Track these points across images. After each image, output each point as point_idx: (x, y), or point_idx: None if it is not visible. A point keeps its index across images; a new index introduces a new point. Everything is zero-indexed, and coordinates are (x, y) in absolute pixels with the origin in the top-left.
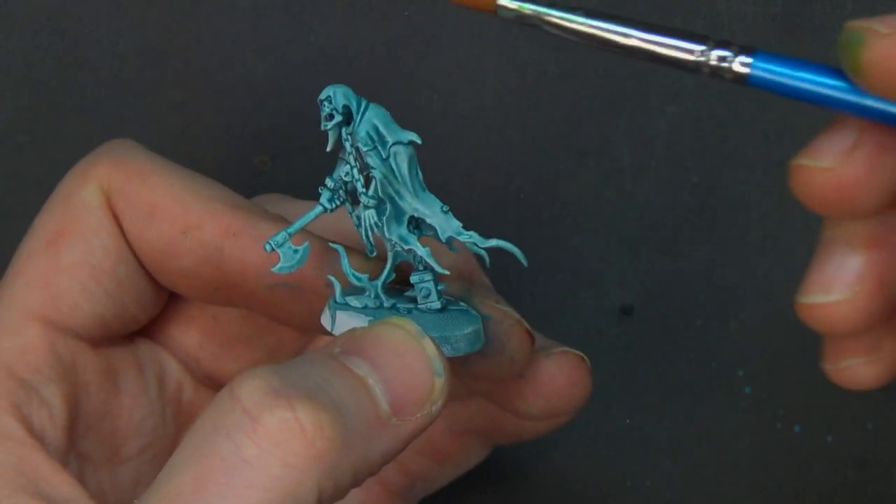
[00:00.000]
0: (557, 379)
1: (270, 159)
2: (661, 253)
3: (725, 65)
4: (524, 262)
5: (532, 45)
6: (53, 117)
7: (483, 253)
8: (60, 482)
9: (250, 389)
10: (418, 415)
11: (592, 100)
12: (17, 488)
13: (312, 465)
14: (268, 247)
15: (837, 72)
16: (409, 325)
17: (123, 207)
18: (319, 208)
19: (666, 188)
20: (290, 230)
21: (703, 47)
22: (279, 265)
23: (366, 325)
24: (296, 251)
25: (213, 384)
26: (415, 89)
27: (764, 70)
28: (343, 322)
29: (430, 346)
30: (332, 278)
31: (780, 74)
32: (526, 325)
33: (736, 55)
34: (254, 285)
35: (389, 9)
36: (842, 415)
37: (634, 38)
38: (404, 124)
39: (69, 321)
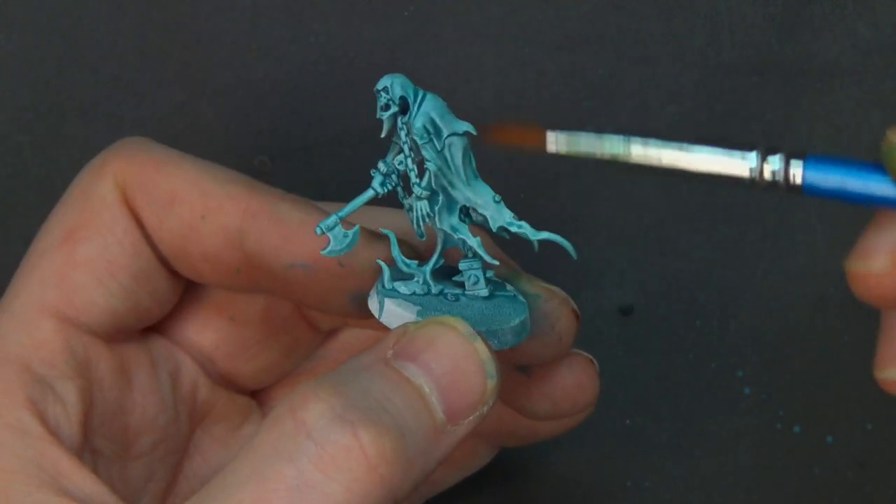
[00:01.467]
0: (566, 380)
1: (270, 159)
2: (660, 253)
3: (780, 179)
4: (573, 254)
5: (532, 45)
6: (53, 117)
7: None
8: (82, 478)
9: (315, 414)
10: (470, 418)
11: (592, 100)
12: (39, 484)
13: (376, 489)
14: (318, 230)
15: (881, 169)
16: (461, 325)
17: (141, 198)
18: (371, 192)
19: (666, 188)
20: (341, 214)
21: (753, 154)
22: (329, 248)
23: (413, 316)
24: (346, 235)
25: (228, 384)
26: None
27: (815, 176)
28: (391, 311)
29: (482, 349)
30: (382, 262)
31: (832, 177)
32: (572, 303)
33: (787, 160)
34: (272, 266)
35: (389, 9)
36: (841, 415)
37: (689, 160)
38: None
39: (84, 317)
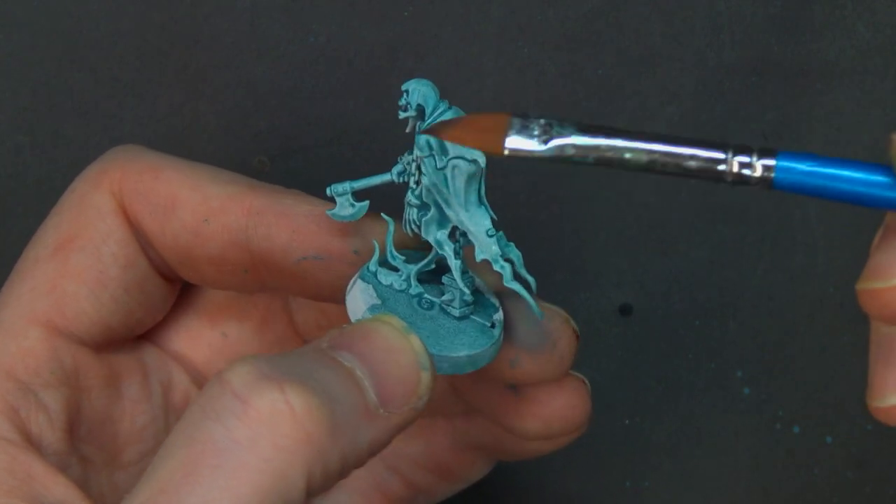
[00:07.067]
0: (557, 401)
1: (269, 159)
2: (660, 253)
3: (749, 172)
4: (538, 314)
5: (532, 45)
6: (53, 117)
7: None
8: (55, 484)
9: (240, 374)
10: (405, 408)
11: (592, 100)
12: (8, 490)
13: (302, 447)
14: (329, 190)
15: (876, 167)
16: (396, 320)
17: (140, 206)
18: (388, 176)
19: (666, 188)
20: (355, 184)
21: (723, 155)
22: (334, 210)
23: (365, 309)
24: (352, 205)
25: None
26: None
27: (790, 172)
28: (354, 295)
29: (416, 342)
30: (376, 243)
31: (809, 175)
32: (573, 324)
33: (758, 159)
34: (282, 262)
35: (389, 9)
36: (841, 415)
37: (656, 154)
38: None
39: (74, 327)
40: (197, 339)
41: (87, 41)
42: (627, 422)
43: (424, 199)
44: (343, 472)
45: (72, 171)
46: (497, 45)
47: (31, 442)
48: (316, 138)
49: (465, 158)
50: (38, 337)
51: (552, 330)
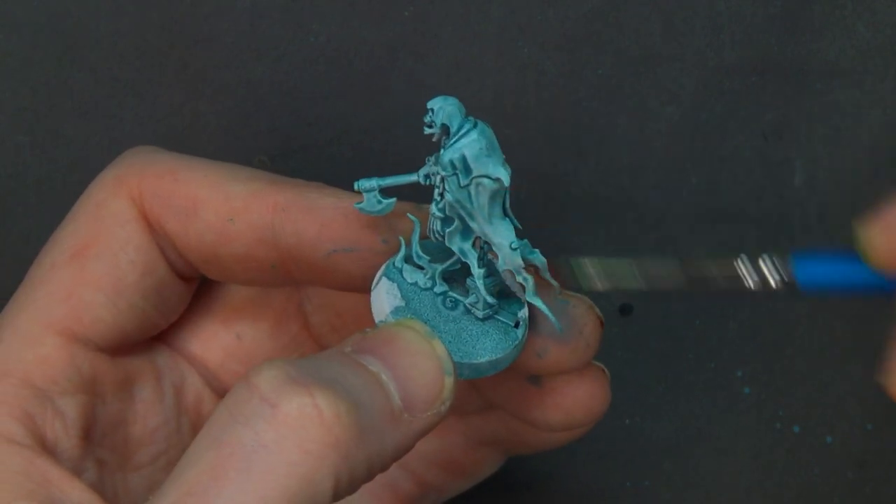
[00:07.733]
0: (579, 391)
1: (270, 159)
2: (661, 253)
3: (770, 280)
4: (559, 328)
5: (532, 45)
6: (53, 117)
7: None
8: (72, 488)
9: (268, 377)
10: (428, 413)
11: (592, 100)
12: (25, 493)
13: (330, 451)
14: (356, 186)
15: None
16: (419, 325)
17: (162, 210)
18: (414, 177)
19: (666, 188)
20: (382, 182)
21: (742, 257)
22: (362, 205)
23: (388, 311)
24: (380, 201)
25: None
26: (415, 89)
27: (805, 272)
28: (379, 293)
29: (439, 347)
30: (403, 239)
31: (820, 270)
32: (598, 310)
33: (772, 261)
34: (312, 256)
35: (389, 9)
36: (841, 415)
37: (684, 279)
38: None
39: (90, 333)
40: (211, 340)
41: (87, 41)
42: (627, 422)
43: (448, 213)
44: (368, 476)
45: (72, 171)
46: (497, 45)
47: (47, 448)
48: (316, 138)
49: (489, 177)
50: (56, 344)
51: (578, 316)
